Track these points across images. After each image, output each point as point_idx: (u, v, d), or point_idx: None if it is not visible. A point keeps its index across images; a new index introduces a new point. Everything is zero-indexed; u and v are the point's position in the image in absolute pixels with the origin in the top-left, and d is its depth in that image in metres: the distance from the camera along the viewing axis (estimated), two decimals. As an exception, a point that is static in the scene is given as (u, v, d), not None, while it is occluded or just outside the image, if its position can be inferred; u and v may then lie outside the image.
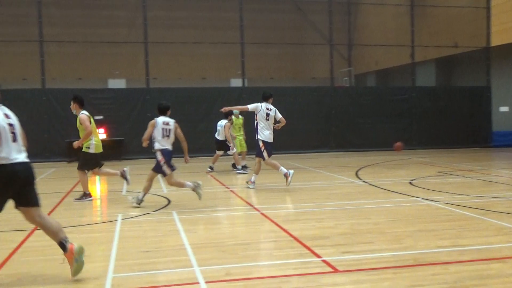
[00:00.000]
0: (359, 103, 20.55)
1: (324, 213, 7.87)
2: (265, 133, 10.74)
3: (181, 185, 8.75)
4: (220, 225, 7.19)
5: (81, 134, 9.34)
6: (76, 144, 9.28)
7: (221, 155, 14.25)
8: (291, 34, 23.35)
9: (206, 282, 4.64)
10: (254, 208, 8.35)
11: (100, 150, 9.57)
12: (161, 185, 11.42)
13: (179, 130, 8.79)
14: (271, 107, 10.78)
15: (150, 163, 16.39)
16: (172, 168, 8.60)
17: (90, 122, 9.34)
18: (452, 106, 20.95)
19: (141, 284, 4.65)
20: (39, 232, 6.84)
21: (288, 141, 19.69)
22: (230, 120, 13.74)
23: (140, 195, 8.68)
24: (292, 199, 9.27)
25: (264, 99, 10.84)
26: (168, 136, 8.67)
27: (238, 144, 14.29)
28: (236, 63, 20.59)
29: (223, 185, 11.26)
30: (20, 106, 17.76)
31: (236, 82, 21.47)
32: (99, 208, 9.32)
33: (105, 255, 5.62)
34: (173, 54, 21.21)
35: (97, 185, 12.47)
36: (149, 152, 18.11)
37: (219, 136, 13.90)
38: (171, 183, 8.71)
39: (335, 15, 21.51)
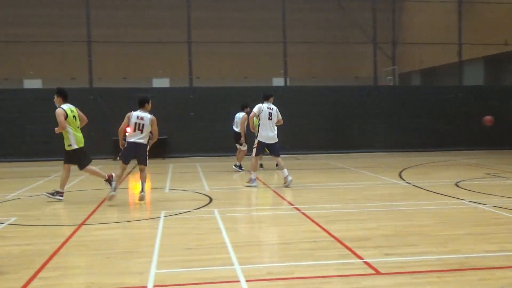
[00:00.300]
0: (403, 103, 20.16)
1: (367, 214, 7.77)
2: (262, 134, 10.80)
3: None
4: (261, 224, 7.21)
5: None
6: (57, 129, 9.25)
7: (246, 154, 14.17)
8: (333, 32, 23.17)
9: (247, 281, 4.66)
10: (295, 208, 8.33)
11: (81, 144, 9.43)
12: (203, 183, 11.55)
13: (155, 127, 8.99)
14: (273, 106, 10.90)
15: (193, 161, 16.67)
16: (124, 160, 9.04)
17: (67, 117, 9.18)
18: (501, 106, 20.24)
19: (183, 280, 4.72)
20: (86, 227, 7.06)
21: (331, 141, 19.56)
22: (247, 112, 13.56)
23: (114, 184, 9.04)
24: (333, 200, 9.19)
25: (265, 98, 10.99)
26: (140, 130, 8.89)
27: None
28: (278, 62, 20.58)
29: (265, 184, 11.28)
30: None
31: (278, 81, 21.45)
32: (143, 205, 9.51)
33: (149, 251, 5.73)
34: (216, 54, 21.41)
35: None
36: (191, 150, 18.45)
37: (237, 127, 13.79)
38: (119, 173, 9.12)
39: (379, 13, 21.18)
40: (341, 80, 23.01)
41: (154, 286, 4.58)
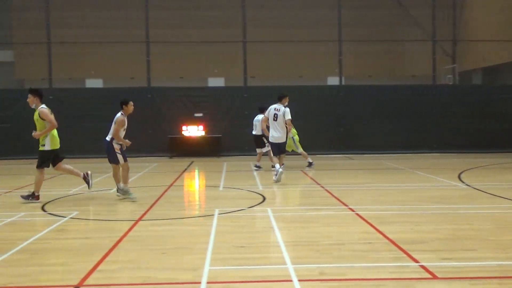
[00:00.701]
0: (463, 102, 19.47)
1: (423, 216, 7.57)
2: (270, 134, 11.51)
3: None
4: (314, 223, 7.17)
5: (39, 128, 8.93)
6: (36, 134, 8.91)
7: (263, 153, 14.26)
8: (390, 30, 22.62)
9: (299, 280, 4.65)
10: (349, 208, 8.23)
11: (57, 146, 9.11)
12: (256, 182, 11.62)
13: (114, 126, 9.15)
14: (281, 107, 11.28)
15: (247, 160, 16.78)
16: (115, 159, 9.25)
17: None
18: None
19: (236, 278, 4.77)
20: (143, 223, 7.26)
21: (385, 141, 19.18)
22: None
23: (121, 185, 9.31)
24: (388, 201, 9.01)
25: (278, 99, 11.50)
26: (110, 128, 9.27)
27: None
28: (333, 61, 20.38)
29: (318, 183, 11.21)
30: (127, 103, 18.94)
31: (333, 80, 21.22)
32: (198, 202, 9.68)
33: (202, 248, 5.83)
34: (271, 53, 21.42)
35: (196, 180, 12.96)
36: (245, 149, 18.57)
37: (256, 131, 14.04)
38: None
39: (438, 9, 20.55)
40: (398, 78, 22.47)
41: (208, 282, 4.65)
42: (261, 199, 9.23)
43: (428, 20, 20.66)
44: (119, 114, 9.25)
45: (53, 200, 9.31)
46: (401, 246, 5.79)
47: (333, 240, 6.16)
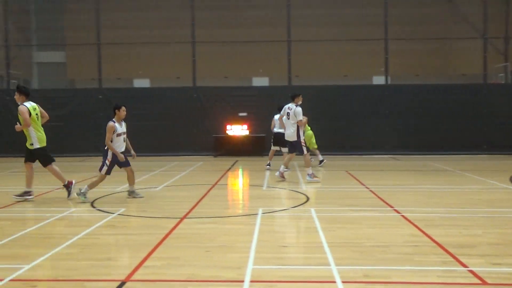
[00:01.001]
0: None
1: (472, 219, 7.35)
2: (286, 131, 11.87)
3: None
4: (359, 225, 7.08)
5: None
6: (18, 127, 8.97)
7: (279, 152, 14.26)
8: (439, 28, 22.02)
9: (343, 282, 4.61)
10: (395, 210, 8.09)
11: (44, 144, 9.16)
12: (300, 181, 11.58)
13: (106, 134, 8.98)
14: (293, 106, 11.55)
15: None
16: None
17: (30, 115, 8.91)
18: None
19: (279, 277, 4.77)
20: (188, 221, 7.37)
21: (432, 141, 18.75)
22: None
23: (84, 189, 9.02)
24: (436, 203, 8.79)
25: (290, 98, 11.82)
26: None
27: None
28: (379, 60, 20.07)
29: (362, 184, 11.07)
30: (173, 103, 19.31)
31: (379, 80, 20.88)
32: (241, 201, 9.74)
33: (246, 247, 5.86)
34: (315, 52, 21.28)
35: (240, 179, 13.04)
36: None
37: (279, 128, 13.81)
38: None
39: (490, 5, 19.89)
40: (446, 78, 21.89)
41: (251, 281, 4.68)
42: (304, 199, 9.19)
43: (478, 16, 20.04)
44: (110, 121, 9.03)
45: (101, 197, 9.59)
46: (449, 249, 5.65)
47: (377, 242, 6.07)
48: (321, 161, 14.86)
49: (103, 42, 19.90)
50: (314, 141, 14.77)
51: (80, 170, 14.62)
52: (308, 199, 9.18)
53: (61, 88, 21.38)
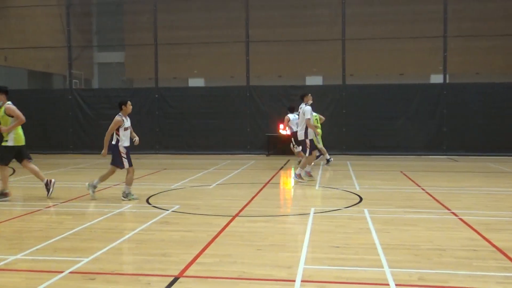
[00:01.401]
0: None
1: (536, 224, 7.01)
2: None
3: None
4: (414, 227, 6.90)
5: (3, 124, 8.96)
6: (4, 129, 8.89)
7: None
8: (501, 24, 21.13)
9: (397, 285, 4.51)
10: (452, 212, 7.83)
11: (21, 143, 9.07)
12: (353, 181, 11.43)
13: (111, 125, 8.96)
14: (302, 105, 11.66)
15: (343, 159, 16.56)
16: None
17: None
18: None
19: (331, 278, 4.73)
20: (240, 219, 7.42)
21: (493, 142, 18.00)
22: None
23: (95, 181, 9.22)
24: (496, 206, 8.44)
25: (300, 98, 11.96)
26: None
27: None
28: (437, 58, 19.47)
29: (418, 185, 10.78)
30: (227, 102, 19.52)
31: (437, 78, 20.25)
32: (294, 200, 9.72)
33: (298, 246, 5.84)
34: (370, 50, 20.92)
35: (292, 179, 13.01)
36: (342, 148, 18.36)
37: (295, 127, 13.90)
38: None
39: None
40: (509, 76, 20.95)
41: (302, 281, 4.66)
42: (357, 199, 9.06)
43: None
44: (117, 116, 9.04)
45: (157, 193, 9.82)
46: (510, 255, 5.41)
47: (433, 245, 5.90)
48: (328, 160, 14.81)
49: (160, 42, 20.38)
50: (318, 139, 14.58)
51: (137, 167, 15.02)
52: (361, 199, 9.04)
53: (120, 87, 22.07)
